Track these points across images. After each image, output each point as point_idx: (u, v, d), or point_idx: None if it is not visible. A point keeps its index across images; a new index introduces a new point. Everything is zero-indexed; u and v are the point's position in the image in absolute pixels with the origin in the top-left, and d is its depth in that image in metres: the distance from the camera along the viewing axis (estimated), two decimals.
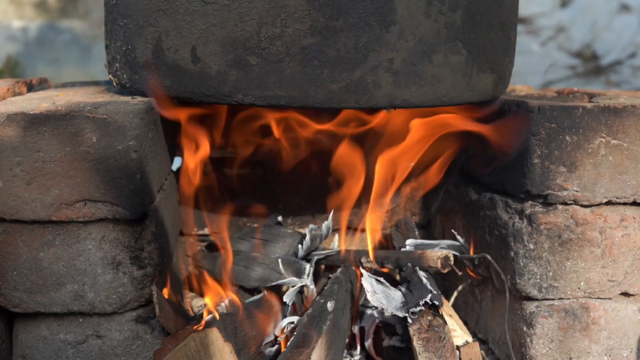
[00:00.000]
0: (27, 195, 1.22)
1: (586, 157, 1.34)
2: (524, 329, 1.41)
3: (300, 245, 1.58)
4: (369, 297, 1.36)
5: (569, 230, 1.35)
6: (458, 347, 1.39)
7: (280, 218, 1.78)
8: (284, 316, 1.47)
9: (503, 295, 1.42)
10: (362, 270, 1.44)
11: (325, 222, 1.62)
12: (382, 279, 1.42)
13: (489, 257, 1.42)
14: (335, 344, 1.32)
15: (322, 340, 1.24)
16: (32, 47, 5.59)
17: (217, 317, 1.26)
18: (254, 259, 1.58)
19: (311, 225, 1.61)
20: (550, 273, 1.37)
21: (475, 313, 1.62)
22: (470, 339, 1.44)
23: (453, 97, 1.32)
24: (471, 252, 1.56)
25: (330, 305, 1.35)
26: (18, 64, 5.38)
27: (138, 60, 1.32)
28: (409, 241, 1.60)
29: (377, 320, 1.47)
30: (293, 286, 1.49)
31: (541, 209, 1.36)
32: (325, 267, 1.67)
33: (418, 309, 1.31)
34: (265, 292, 1.51)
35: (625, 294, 1.40)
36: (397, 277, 1.58)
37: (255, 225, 1.81)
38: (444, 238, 1.74)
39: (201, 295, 1.69)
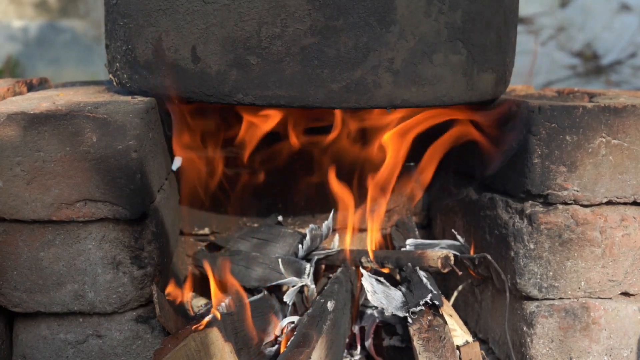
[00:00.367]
0: (27, 195, 1.22)
1: (586, 156, 1.34)
2: (524, 328, 1.41)
3: (300, 245, 1.58)
4: (369, 297, 1.36)
5: (569, 230, 1.35)
6: (458, 347, 1.38)
7: (280, 218, 1.78)
8: (284, 316, 1.47)
9: (503, 295, 1.42)
10: (362, 270, 1.44)
11: (326, 222, 1.62)
12: (382, 279, 1.42)
13: (489, 257, 1.42)
14: (335, 344, 1.32)
15: (322, 340, 1.24)
16: (32, 47, 5.59)
17: (219, 317, 1.26)
18: (254, 258, 1.58)
19: (311, 225, 1.61)
20: (551, 273, 1.37)
21: (476, 313, 1.62)
22: (470, 338, 1.44)
23: (453, 97, 1.32)
24: (471, 252, 1.56)
25: (330, 305, 1.35)
26: (18, 64, 5.38)
27: (138, 59, 1.32)
28: (409, 241, 1.60)
29: (377, 320, 1.47)
30: (293, 286, 1.49)
31: (541, 209, 1.36)
32: (326, 267, 1.67)
33: (418, 308, 1.31)
34: (265, 292, 1.51)
35: (625, 294, 1.40)
36: (397, 277, 1.58)
37: (255, 225, 1.80)
38: (444, 238, 1.74)
39: (201, 295, 1.69)
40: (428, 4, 1.24)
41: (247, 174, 1.76)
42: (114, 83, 1.44)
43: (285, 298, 1.46)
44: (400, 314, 1.33)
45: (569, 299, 1.39)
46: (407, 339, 1.36)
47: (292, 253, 1.59)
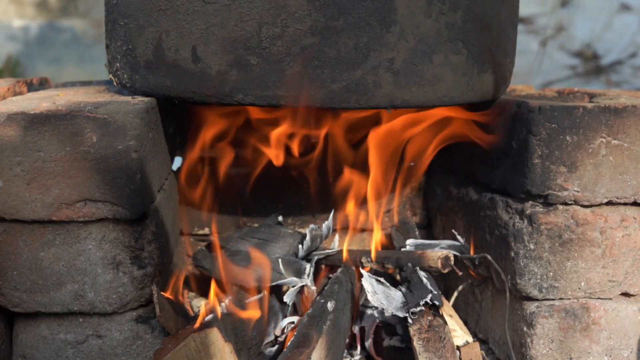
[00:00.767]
0: (27, 195, 1.22)
1: (587, 157, 1.34)
2: (524, 329, 1.41)
3: (300, 245, 1.58)
4: (369, 297, 1.36)
5: (569, 231, 1.35)
6: (458, 347, 1.39)
7: (280, 218, 1.78)
8: (284, 316, 1.47)
9: (503, 295, 1.42)
10: (363, 271, 1.44)
11: (326, 222, 1.62)
12: (382, 279, 1.42)
13: (489, 257, 1.42)
14: (335, 344, 1.32)
15: (322, 340, 1.24)
16: (32, 47, 5.59)
17: (219, 315, 1.26)
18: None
19: (311, 225, 1.61)
20: (551, 273, 1.37)
21: (476, 313, 1.62)
22: (470, 339, 1.44)
23: (453, 97, 1.32)
24: (471, 252, 1.56)
25: (330, 305, 1.35)
26: (18, 64, 5.38)
27: (138, 59, 1.32)
28: (409, 241, 1.60)
29: (377, 320, 1.47)
30: (293, 286, 1.49)
31: (541, 209, 1.36)
32: (326, 267, 1.67)
33: (418, 309, 1.31)
34: (266, 292, 1.51)
35: (625, 294, 1.40)
36: (398, 277, 1.58)
37: (256, 225, 1.81)
38: (444, 238, 1.74)
39: (201, 295, 1.69)
40: (428, 4, 1.24)
41: (247, 174, 1.76)
42: (114, 83, 1.44)
43: (286, 298, 1.46)
44: (401, 314, 1.33)
45: (569, 299, 1.39)
46: (407, 339, 1.36)
47: (292, 253, 1.59)
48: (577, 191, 1.35)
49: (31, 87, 1.62)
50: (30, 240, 1.25)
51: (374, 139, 1.65)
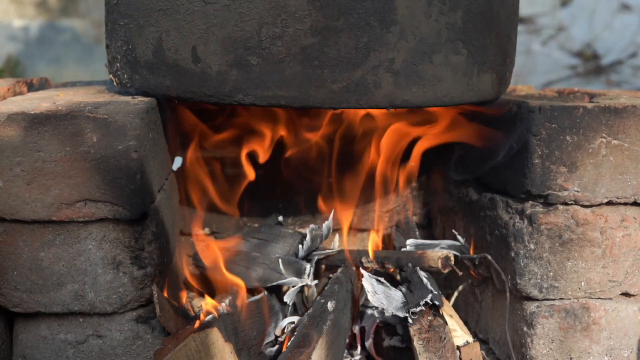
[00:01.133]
0: (27, 195, 1.22)
1: (587, 157, 1.34)
2: (525, 329, 1.41)
3: (300, 245, 1.57)
4: (369, 297, 1.36)
5: (569, 231, 1.35)
6: (458, 347, 1.38)
7: (280, 218, 1.78)
8: (285, 316, 1.47)
9: (503, 295, 1.42)
10: (363, 271, 1.44)
11: (326, 222, 1.62)
12: (382, 279, 1.42)
13: (489, 257, 1.42)
14: (335, 344, 1.32)
15: (322, 340, 1.24)
16: (32, 47, 5.59)
17: (217, 315, 1.26)
18: (254, 258, 1.58)
19: (312, 225, 1.61)
20: (551, 273, 1.37)
21: (476, 313, 1.62)
22: (470, 339, 1.44)
23: (454, 97, 1.32)
24: (471, 252, 1.56)
25: (330, 305, 1.35)
26: (18, 64, 5.38)
27: (138, 60, 1.32)
28: (409, 241, 1.60)
29: (377, 320, 1.47)
30: (293, 286, 1.49)
31: (542, 209, 1.36)
32: (326, 267, 1.67)
33: (418, 309, 1.31)
34: (266, 292, 1.51)
35: (625, 294, 1.40)
36: (398, 277, 1.58)
37: (256, 225, 1.80)
38: (444, 238, 1.74)
39: (201, 295, 1.69)
40: (428, 4, 1.24)
41: (248, 174, 1.76)
42: (114, 83, 1.44)
43: (286, 298, 1.46)
44: (401, 314, 1.33)
45: (569, 299, 1.39)
46: (408, 339, 1.36)
47: (293, 253, 1.59)
48: (577, 191, 1.35)
49: (31, 87, 1.62)
50: (31, 240, 1.25)
51: (377, 138, 1.65)
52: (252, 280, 1.54)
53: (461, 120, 1.55)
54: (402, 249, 1.58)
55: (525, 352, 1.41)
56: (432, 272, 1.47)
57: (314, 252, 1.60)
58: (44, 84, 1.71)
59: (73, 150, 1.21)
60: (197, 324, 1.22)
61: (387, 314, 1.42)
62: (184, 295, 1.52)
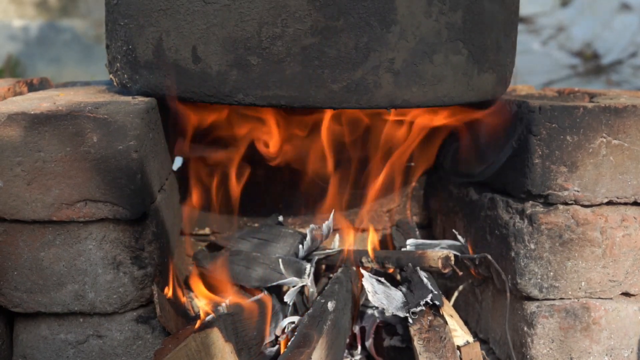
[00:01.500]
0: (27, 195, 1.22)
1: (587, 157, 1.34)
2: (525, 329, 1.41)
3: (300, 245, 1.57)
4: (369, 297, 1.36)
5: (569, 230, 1.35)
6: (459, 347, 1.38)
7: (280, 218, 1.78)
8: (285, 316, 1.47)
9: (504, 295, 1.42)
10: (363, 271, 1.44)
11: (326, 222, 1.62)
12: (382, 279, 1.42)
13: (489, 257, 1.42)
14: (335, 344, 1.32)
15: (322, 340, 1.24)
16: (32, 47, 5.60)
17: (213, 314, 1.26)
18: (254, 259, 1.58)
19: (312, 225, 1.61)
20: (551, 273, 1.37)
21: (476, 313, 1.62)
22: (471, 339, 1.44)
23: (454, 97, 1.32)
24: (471, 252, 1.56)
25: (330, 305, 1.35)
26: (19, 64, 5.38)
27: (139, 60, 1.32)
28: (409, 241, 1.60)
29: (377, 320, 1.47)
30: (294, 286, 1.49)
31: (542, 209, 1.36)
32: (326, 267, 1.67)
33: (419, 309, 1.31)
34: (266, 292, 1.51)
35: (626, 294, 1.40)
36: (398, 277, 1.58)
37: (256, 224, 1.80)
38: (444, 238, 1.74)
39: (202, 295, 1.69)
40: (429, 4, 1.24)
41: (248, 174, 1.76)
42: (115, 83, 1.44)
43: (286, 298, 1.46)
44: (401, 314, 1.33)
45: (570, 299, 1.39)
46: (408, 339, 1.36)
47: (293, 253, 1.59)
48: (578, 191, 1.35)
49: (31, 87, 1.62)
50: (31, 240, 1.25)
51: (378, 138, 1.65)
52: (252, 280, 1.54)
53: (461, 120, 1.55)
54: (402, 249, 1.58)
55: (526, 352, 1.41)
56: (433, 272, 1.47)
57: (314, 252, 1.60)
58: (44, 84, 1.71)
59: (73, 150, 1.21)
60: (197, 324, 1.22)
61: (387, 314, 1.42)
62: (184, 296, 1.52)
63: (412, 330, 1.29)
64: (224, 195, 1.74)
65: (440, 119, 1.56)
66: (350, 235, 1.73)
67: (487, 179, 1.53)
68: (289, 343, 1.24)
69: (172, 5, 1.24)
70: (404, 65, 1.24)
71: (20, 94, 1.54)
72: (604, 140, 1.34)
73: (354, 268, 1.57)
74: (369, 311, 1.51)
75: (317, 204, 1.78)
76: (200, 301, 1.46)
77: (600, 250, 1.36)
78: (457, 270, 1.45)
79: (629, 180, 1.36)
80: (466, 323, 1.59)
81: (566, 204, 1.36)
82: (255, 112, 1.60)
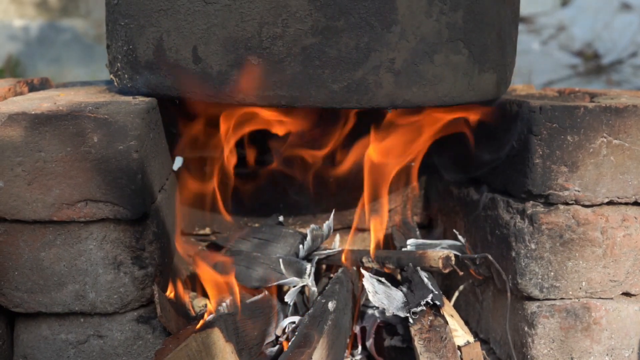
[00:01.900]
0: (28, 195, 1.22)
1: (588, 157, 1.34)
2: (525, 329, 1.41)
3: (301, 245, 1.57)
4: (370, 297, 1.36)
5: (570, 230, 1.35)
6: (459, 347, 1.38)
7: (281, 218, 1.78)
8: (285, 316, 1.47)
9: (504, 295, 1.42)
10: (364, 271, 1.44)
11: (327, 222, 1.62)
12: (383, 279, 1.42)
13: (490, 257, 1.42)
14: (336, 344, 1.32)
15: (323, 340, 1.24)
16: (33, 47, 5.60)
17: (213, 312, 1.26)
18: (254, 258, 1.58)
19: (312, 225, 1.61)
20: (552, 273, 1.37)
21: (477, 313, 1.62)
22: (471, 339, 1.43)
23: (454, 97, 1.32)
24: (472, 252, 1.56)
25: (331, 305, 1.35)
26: (19, 64, 5.38)
27: (139, 60, 1.32)
28: (410, 241, 1.60)
29: (378, 320, 1.47)
30: (294, 286, 1.49)
31: (542, 209, 1.36)
32: (327, 267, 1.67)
33: (419, 309, 1.31)
34: (266, 292, 1.51)
35: (626, 294, 1.40)
36: (398, 277, 1.58)
37: (256, 225, 1.80)
38: (445, 238, 1.74)
39: (202, 295, 1.69)
40: (429, 4, 1.24)
41: (248, 174, 1.76)
42: (115, 83, 1.44)
43: (286, 298, 1.46)
44: (402, 314, 1.33)
45: (570, 299, 1.39)
46: (408, 339, 1.36)
47: (293, 253, 1.59)
48: (578, 191, 1.35)
49: (32, 87, 1.62)
50: (31, 240, 1.25)
51: (378, 139, 1.64)
52: (252, 280, 1.54)
53: (462, 120, 1.55)
54: (403, 249, 1.58)
55: (526, 352, 1.41)
56: (433, 272, 1.47)
57: (315, 252, 1.60)
58: (44, 84, 1.71)
59: (74, 150, 1.21)
60: (198, 324, 1.22)
61: (388, 314, 1.42)
62: (184, 296, 1.52)
63: (413, 330, 1.29)
64: (224, 195, 1.74)
65: (446, 119, 1.56)
66: (350, 236, 1.73)
67: (488, 179, 1.53)
68: (290, 343, 1.24)
69: (173, 5, 1.24)
70: (405, 65, 1.24)
71: (21, 94, 1.54)
72: (605, 140, 1.34)
73: (355, 268, 1.57)
74: (370, 311, 1.51)
75: (317, 204, 1.77)
76: (201, 301, 1.46)
77: (601, 250, 1.36)
78: (458, 270, 1.45)
79: (630, 180, 1.36)
80: (467, 323, 1.59)
81: (567, 203, 1.36)
82: (258, 110, 1.60)
